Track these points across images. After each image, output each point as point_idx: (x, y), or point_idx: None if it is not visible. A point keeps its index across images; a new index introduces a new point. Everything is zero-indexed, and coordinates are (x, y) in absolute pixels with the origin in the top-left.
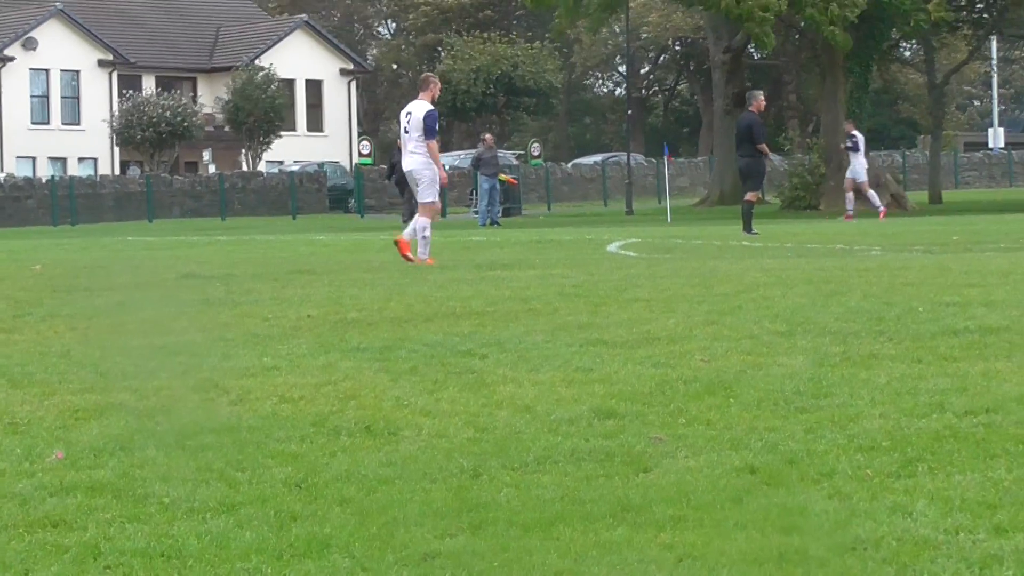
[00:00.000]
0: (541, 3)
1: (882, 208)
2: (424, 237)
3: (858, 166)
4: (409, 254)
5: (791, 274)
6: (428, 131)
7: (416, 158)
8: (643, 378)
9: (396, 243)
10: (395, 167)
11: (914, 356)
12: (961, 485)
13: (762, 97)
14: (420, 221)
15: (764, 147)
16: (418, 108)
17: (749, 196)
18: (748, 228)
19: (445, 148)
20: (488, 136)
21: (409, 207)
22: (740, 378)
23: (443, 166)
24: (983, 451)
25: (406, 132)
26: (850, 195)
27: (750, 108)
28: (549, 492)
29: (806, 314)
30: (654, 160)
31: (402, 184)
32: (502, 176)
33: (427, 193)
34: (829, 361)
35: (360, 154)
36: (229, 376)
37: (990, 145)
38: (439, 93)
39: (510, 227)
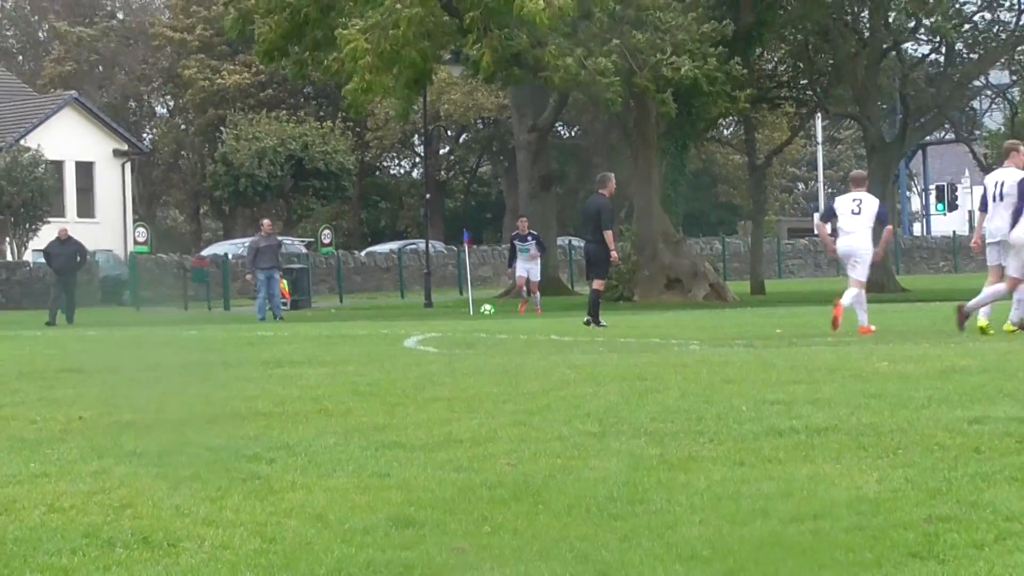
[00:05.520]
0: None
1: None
2: (861, 303)
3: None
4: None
5: (603, 370)
6: None
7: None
8: (444, 483)
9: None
10: (50, 256)
11: (736, 458)
12: None
13: (614, 180)
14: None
15: (610, 235)
16: (1011, 176)
17: (596, 285)
18: (595, 319)
19: (227, 235)
20: (266, 222)
21: (55, 305)
22: (549, 483)
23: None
24: (811, 560)
25: (996, 200)
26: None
27: (601, 191)
28: None
29: (620, 413)
30: (454, 248)
31: (62, 274)
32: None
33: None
34: (645, 464)
35: (136, 242)
36: None
37: (816, 232)
38: None
39: (298, 321)
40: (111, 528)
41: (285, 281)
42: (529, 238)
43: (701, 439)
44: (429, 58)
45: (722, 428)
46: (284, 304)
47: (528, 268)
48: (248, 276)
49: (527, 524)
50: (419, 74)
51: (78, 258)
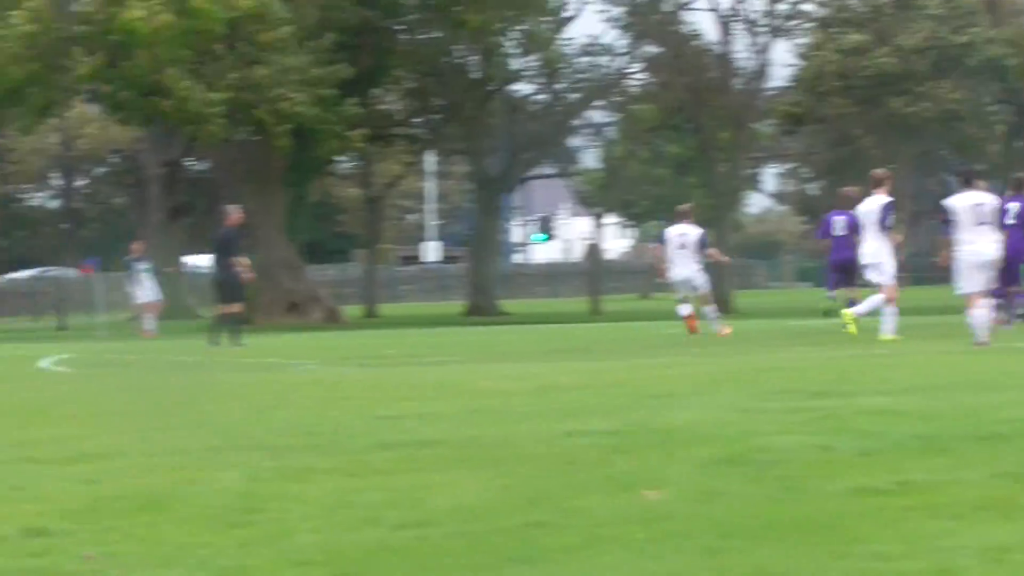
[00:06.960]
0: None
1: None
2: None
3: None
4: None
5: (226, 389)
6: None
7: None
8: (75, 495)
9: None
10: None
11: (348, 470)
12: None
13: (236, 211)
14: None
15: (243, 260)
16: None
17: (237, 308)
18: (236, 338)
19: None
20: None
21: None
22: (173, 494)
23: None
24: (415, 564)
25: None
26: None
27: (226, 222)
28: None
29: (240, 429)
30: (89, 275)
31: None
32: None
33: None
34: (262, 476)
35: None
36: None
37: (424, 259)
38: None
39: None
40: None
41: None
42: (144, 260)
43: (315, 452)
44: (30, 78)
45: (335, 442)
46: None
47: (154, 289)
48: None
49: (152, 532)
50: (45, 103)
51: None
